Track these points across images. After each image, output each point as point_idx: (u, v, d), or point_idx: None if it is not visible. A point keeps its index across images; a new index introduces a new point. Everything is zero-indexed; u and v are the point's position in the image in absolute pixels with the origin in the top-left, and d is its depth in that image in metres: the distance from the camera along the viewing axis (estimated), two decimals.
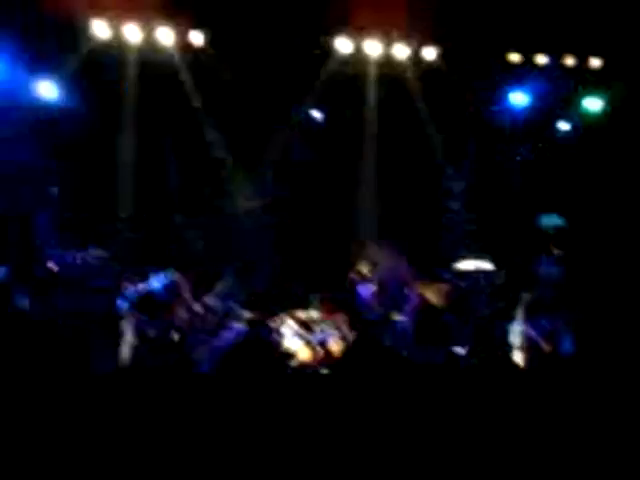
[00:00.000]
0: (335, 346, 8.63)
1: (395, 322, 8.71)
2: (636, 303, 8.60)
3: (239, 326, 8.74)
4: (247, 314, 8.83)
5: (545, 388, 4.65)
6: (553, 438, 3.49)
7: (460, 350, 8.29)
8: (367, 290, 8.94)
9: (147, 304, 7.96)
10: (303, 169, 9.83)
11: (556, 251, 8.64)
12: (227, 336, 8.65)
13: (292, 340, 8.71)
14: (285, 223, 9.76)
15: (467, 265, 8.66)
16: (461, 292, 8.52)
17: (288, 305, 8.88)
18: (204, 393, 4.07)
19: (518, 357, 8.23)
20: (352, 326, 8.70)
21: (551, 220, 8.78)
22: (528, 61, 9.55)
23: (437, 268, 8.88)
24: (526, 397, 4.28)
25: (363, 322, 8.76)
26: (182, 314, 8.27)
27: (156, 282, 8.12)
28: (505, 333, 8.41)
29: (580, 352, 8.17)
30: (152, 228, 9.36)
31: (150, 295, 8.05)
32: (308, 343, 8.64)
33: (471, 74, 9.44)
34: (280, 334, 8.73)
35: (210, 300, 8.70)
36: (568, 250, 8.65)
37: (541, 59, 9.56)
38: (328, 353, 8.56)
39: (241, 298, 9.03)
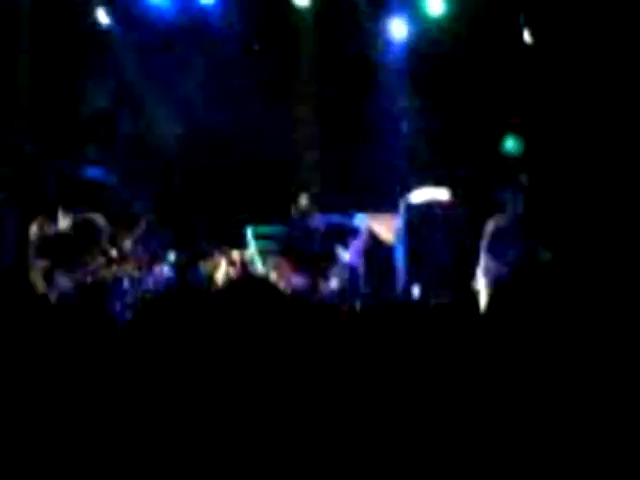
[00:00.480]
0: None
1: (341, 258, 7.73)
2: (607, 233, 7.62)
3: (165, 271, 7.76)
4: (175, 257, 7.83)
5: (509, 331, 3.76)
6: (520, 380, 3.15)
7: (415, 290, 7.36)
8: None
9: (54, 248, 6.80)
10: (238, 94, 8.68)
11: (521, 177, 7.67)
12: (152, 282, 7.66)
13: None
14: (218, 152, 8.61)
15: (421, 196, 7.65)
16: (414, 226, 7.53)
17: (222, 243, 7.88)
18: (122, 345, 3.77)
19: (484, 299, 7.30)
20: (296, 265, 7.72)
21: (514, 144, 7.80)
22: None
23: (388, 199, 7.88)
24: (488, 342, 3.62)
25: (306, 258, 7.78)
26: (98, 260, 7.14)
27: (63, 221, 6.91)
28: (467, 273, 7.48)
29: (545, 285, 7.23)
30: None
31: (57, 238, 6.86)
32: None
33: None
34: (214, 280, 7.76)
35: (130, 244, 7.64)
36: (533, 176, 7.67)
37: None
38: None
39: (166, 239, 7.99)
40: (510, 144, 7.72)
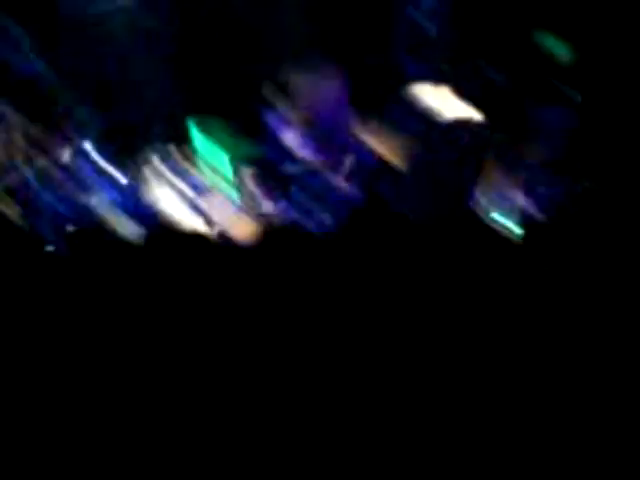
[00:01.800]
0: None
1: (327, 182, 5.99)
2: None
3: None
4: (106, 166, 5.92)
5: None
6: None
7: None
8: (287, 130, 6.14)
9: None
10: None
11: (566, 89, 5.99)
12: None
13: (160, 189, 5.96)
14: (174, 28, 6.45)
15: (447, 110, 5.82)
16: (430, 150, 5.80)
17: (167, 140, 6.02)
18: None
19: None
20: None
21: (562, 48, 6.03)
22: None
23: (396, 107, 6.04)
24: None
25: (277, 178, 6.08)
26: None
27: None
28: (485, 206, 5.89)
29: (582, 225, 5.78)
30: None
31: None
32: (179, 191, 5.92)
33: None
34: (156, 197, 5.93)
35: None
36: (582, 89, 6.00)
37: None
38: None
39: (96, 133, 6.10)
40: (557, 49, 5.95)
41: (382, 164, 5.89)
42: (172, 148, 6.18)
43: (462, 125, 5.72)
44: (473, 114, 5.81)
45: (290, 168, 6.04)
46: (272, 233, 5.89)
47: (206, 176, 6.18)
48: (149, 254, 3.81)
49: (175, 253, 3.75)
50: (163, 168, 6.11)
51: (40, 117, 5.81)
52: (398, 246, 4.06)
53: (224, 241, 5.67)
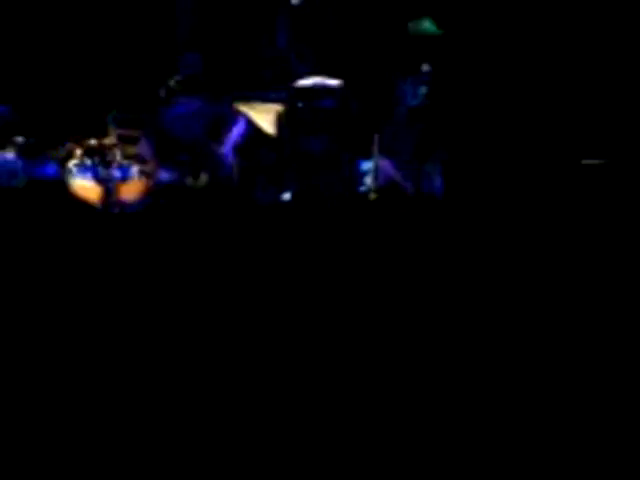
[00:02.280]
0: (135, 185, 6.61)
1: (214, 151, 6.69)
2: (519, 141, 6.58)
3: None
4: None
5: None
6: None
7: (286, 195, 6.34)
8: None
9: None
10: None
11: (425, 67, 6.62)
12: None
13: (82, 176, 6.65)
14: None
15: (307, 81, 6.54)
16: (299, 115, 6.47)
17: (77, 131, 6.77)
18: None
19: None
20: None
21: (422, 25, 6.72)
22: None
23: (269, 85, 6.79)
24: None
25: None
26: None
27: None
28: (355, 172, 6.47)
29: (448, 194, 6.27)
30: None
31: None
32: (101, 181, 6.60)
33: None
34: (67, 169, 6.67)
35: None
36: (442, 67, 6.62)
37: None
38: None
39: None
40: (417, 26, 6.63)
41: (258, 133, 6.58)
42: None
43: (324, 90, 6.39)
44: (334, 82, 6.49)
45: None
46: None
47: None
48: None
49: None
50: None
51: None
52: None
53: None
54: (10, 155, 6.68)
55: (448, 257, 4.22)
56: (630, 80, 6.41)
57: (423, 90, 6.63)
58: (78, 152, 6.70)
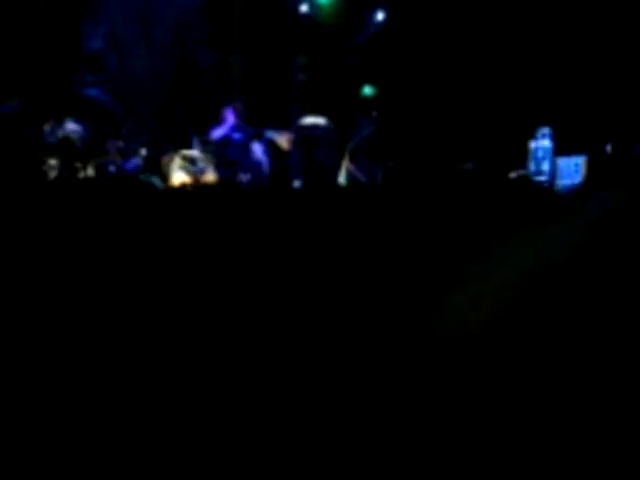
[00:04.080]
0: (210, 177, 11.75)
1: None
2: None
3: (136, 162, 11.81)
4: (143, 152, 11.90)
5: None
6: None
7: (297, 183, 11.50)
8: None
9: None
10: None
11: (373, 112, 11.91)
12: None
13: (177, 173, 11.79)
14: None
15: (308, 120, 11.80)
16: (303, 140, 11.68)
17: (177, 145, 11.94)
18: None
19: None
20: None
21: (370, 89, 12.01)
22: None
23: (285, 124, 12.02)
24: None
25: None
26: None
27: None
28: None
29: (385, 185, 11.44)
30: None
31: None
32: (188, 172, 11.73)
33: None
34: (169, 169, 11.79)
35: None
36: (382, 111, 11.91)
37: None
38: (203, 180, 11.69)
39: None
40: (367, 90, 11.95)
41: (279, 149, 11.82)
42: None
43: (315, 126, 11.65)
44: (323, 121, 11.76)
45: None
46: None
47: None
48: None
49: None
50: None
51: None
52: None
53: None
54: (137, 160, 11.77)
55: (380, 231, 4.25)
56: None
57: (372, 125, 11.92)
58: (177, 159, 11.84)
